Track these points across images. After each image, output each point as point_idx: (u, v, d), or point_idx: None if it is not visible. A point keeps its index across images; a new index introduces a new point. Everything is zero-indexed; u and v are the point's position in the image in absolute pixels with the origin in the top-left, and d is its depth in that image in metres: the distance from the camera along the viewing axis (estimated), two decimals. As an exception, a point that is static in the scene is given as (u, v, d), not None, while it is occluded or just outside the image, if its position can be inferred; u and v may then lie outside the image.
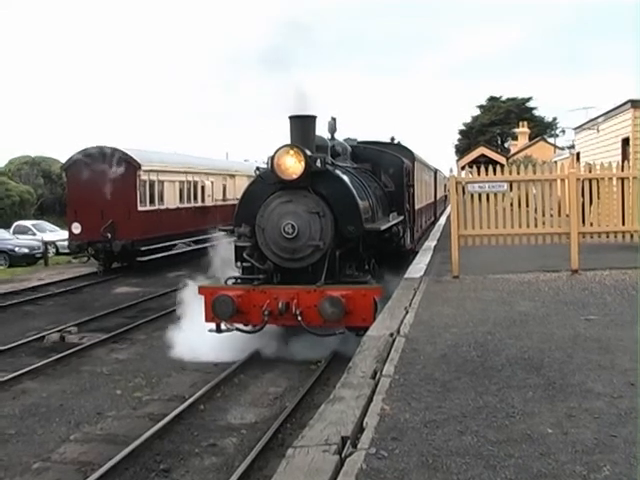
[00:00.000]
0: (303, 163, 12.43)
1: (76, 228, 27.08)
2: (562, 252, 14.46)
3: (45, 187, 53.56)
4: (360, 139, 18.78)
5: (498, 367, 7.34)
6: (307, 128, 13.30)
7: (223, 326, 12.67)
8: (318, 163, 12.66)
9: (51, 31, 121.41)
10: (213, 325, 12.66)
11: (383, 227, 13.96)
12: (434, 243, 21.90)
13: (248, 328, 12.71)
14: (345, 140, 17.07)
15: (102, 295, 21.42)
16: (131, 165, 26.82)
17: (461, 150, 79.85)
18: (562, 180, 14.53)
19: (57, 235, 36.26)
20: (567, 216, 14.24)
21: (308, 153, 12.58)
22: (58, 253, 35.42)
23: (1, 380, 12.07)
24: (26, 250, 32.94)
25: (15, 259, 32.25)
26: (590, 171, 14.67)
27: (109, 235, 26.12)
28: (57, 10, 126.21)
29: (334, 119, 16.15)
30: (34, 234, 36.86)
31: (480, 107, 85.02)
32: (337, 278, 12.76)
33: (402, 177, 17.59)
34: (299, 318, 11.98)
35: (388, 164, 17.53)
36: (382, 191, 16.59)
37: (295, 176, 12.52)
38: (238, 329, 12.66)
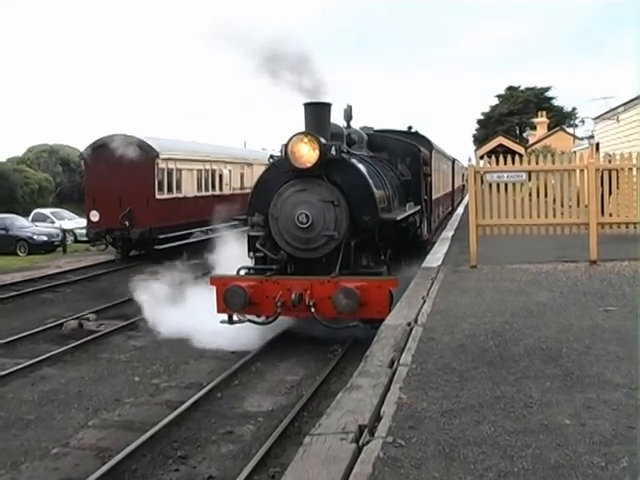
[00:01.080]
0: (317, 151, 12.21)
1: (94, 216, 27.16)
2: (581, 243, 14.38)
3: (63, 175, 53.74)
4: (377, 128, 18.45)
5: (516, 357, 7.32)
6: (322, 115, 13.05)
7: (235, 317, 12.57)
8: (333, 151, 12.40)
9: (73, 19, 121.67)
10: (225, 316, 12.56)
11: (399, 217, 13.58)
12: (452, 233, 21.85)
13: (261, 319, 12.61)
14: (361, 128, 16.72)
15: (120, 283, 21.48)
16: (149, 153, 26.84)
17: (479, 140, 79.35)
18: (581, 170, 14.43)
19: (75, 223, 36.45)
20: (586, 206, 14.16)
21: (323, 141, 12.37)
22: (76, 241, 35.58)
23: (20, 366, 12.17)
24: (45, 238, 33.09)
25: (34, 247, 32.39)
26: (610, 161, 14.58)
27: (127, 223, 26.18)
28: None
29: (350, 107, 15.83)
30: (53, 222, 37.07)
31: (499, 97, 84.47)
32: (352, 269, 12.51)
33: (419, 166, 17.20)
34: (312, 310, 11.82)
35: (405, 153, 17.15)
36: (398, 180, 16.23)
37: (309, 164, 12.31)
38: (250, 320, 12.56)
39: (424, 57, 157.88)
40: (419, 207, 16.35)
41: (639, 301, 9.52)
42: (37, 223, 36.19)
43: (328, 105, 13.17)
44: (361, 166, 13.22)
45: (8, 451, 8.57)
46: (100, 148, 27.02)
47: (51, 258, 30.41)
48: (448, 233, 21.91)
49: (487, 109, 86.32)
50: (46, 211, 39.78)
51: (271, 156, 13.43)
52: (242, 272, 12.98)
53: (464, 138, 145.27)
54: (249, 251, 13.12)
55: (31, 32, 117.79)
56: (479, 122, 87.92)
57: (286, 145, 12.38)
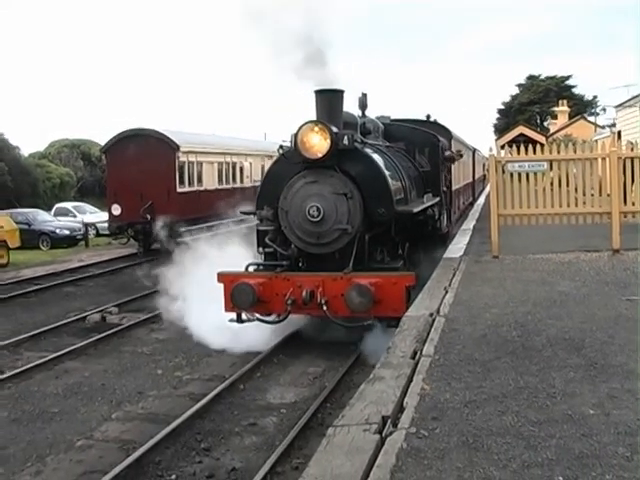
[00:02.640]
0: (329, 140, 11.53)
1: (116, 210, 27.29)
2: (603, 232, 14.30)
3: (85, 169, 54.03)
4: (394, 117, 17.93)
5: (539, 347, 7.30)
6: (334, 103, 12.31)
7: (244, 316, 12.00)
8: (345, 141, 11.71)
9: (96, 14, 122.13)
10: (234, 315, 11.99)
11: (416, 209, 12.81)
12: (473, 223, 21.79)
13: (271, 318, 12.04)
14: (377, 118, 16.05)
15: (142, 276, 21.60)
16: (170, 147, 26.94)
17: (500, 129, 78.92)
18: (603, 159, 14.32)
19: (97, 217, 36.66)
20: (608, 195, 14.07)
21: (334, 130, 11.68)
22: (98, 235, 35.84)
23: (44, 360, 12.27)
24: (67, 232, 33.34)
25: (56, 241, 32.65)
26: (632, 150, 14.46)
27: (148, 216, 26.28)
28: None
29: (365, 94, 15.14)
30: (75, 216, 37.32)
31: (519, 86, 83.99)
32: (366, 264, 11.91)
33: (438, 156, 16.30)
34: (324, 308, 11.22)
35: (423, 143, 16.29)
36: (417, 171, 15.51)
37: (320, 154, 11.62)
38: (260, 319, 11.97)
39: (443, 48, 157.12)
40: (438, 199, 15.53)
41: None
42: (59, 217, 36.44)
43: (340, 92, 12.42)
44: (376, 156, 12.63)
45: (33, 444, 8.64)
46: (121, 142, 27.16)
47: (73, 252, 30.62)
48: (470, 223, 21.85)
49: (507, 98, 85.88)
50: (68, 205, 40.07)
51: (281, 146, 12.62)
52: (251, 268, 12.35)
53: (485, 128, 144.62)
54: (258, 246, 12.69)
55: (53, 28, 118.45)
56: (500, 112, 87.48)
57: (295, 135, 11.74)
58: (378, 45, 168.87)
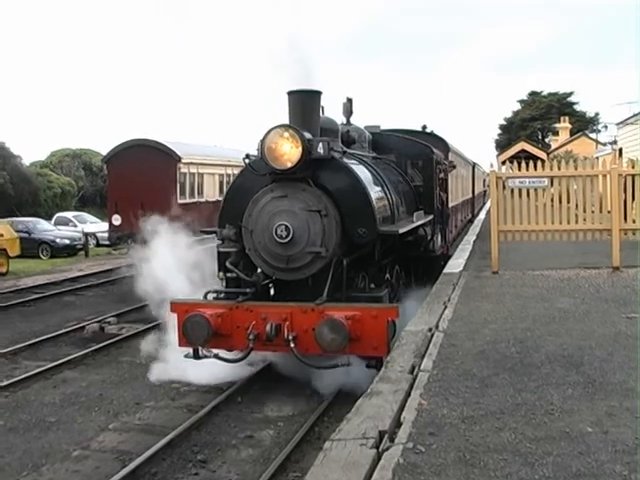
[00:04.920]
0: (300, 148, 9.91)
1: (116, 220, 27.27)
2: (603, 249, 14.32)
3: (86, 179, 54.14)
4: (387, 128, 16.31)
5: (537, 364, 7.29)
6: (309, 106, 10.67)
7: (202, 351, 10.51)
8: (320, 149, 10.06)
9: (92, 25, 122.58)
10: (190, 349, 10.52)
11: (403, 230, 11.08)
12: (473, 238, 21.79)
13: (232, 355, 10.59)
14: (366, 127, 14.37)
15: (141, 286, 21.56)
16: (171, 158, 26.97)
17: (501, 145, 79.14)
18: (604, 176, 14.35)
19: (97, 227, 36.66)
20: (609, 212, 14.09)
21: (308, 136, 10.10)
22: (98, 244, 35.85)
23: (42, 369, 12.27)
24: (67, 241, 33.39)
25: (56, 250, 32.70)
26: (633, 167, 14.48)
27: (149, 227, 26.24)
28: (100, 3, 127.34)
29: (350, 100, 13.65)
30: (75, 225, 37.38)
31: (521, 102, 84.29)
32: (345, 293, 10.27)
33: (432, 170, 14.83)
34: (292, 345, 9.70)
35: (416, 155, 14.81)
36: (408, 186, 14.12)
37: (290, 165, 10.01)
38: (217, 357, 10.47)
39: (446, 63, 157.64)
40: (431, 217, 14.07)
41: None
42: (59, 227, 36.49)
43: (317, 93, 10.78)
44: (357, 168, 11.10)
45: (30, 453, 8.63)
46: (122, 153, 27.18)
47: (73, 261, 30.67)
48: (470, 238, 21.85)
49: (509, 114, 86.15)
50: (69, 215, 40.12)
51: (247, 155, 10.88)
52: (210, 296, 10.85)
53: (486, 144, 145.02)
54: (219, 270, 10.97)
55: (55, 38, 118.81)
56: (501, 127, 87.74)
57: (262, 141, 10.11)
58: (380, 58, 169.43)
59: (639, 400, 6.01)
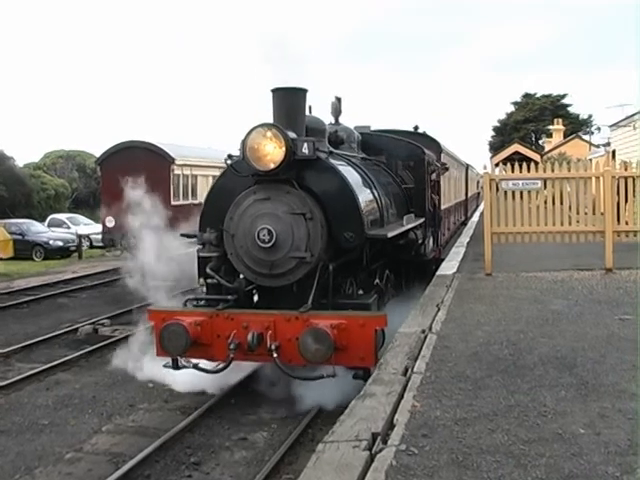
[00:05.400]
0: (284, 148, 9.37)
1: (110, 222, 27.27)
2: (596, 250, 14.35)
3: (80, 181, 54.17)
4: (378, 128, 16.02)
5: (530, 366, 7.30)
6: (294, 105, 10.14)
7: (182, 361, 9.90)
8: (305, 149, 9.55)
9: (87, 27, 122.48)
10: (169, 359, 9.89)
11: (392, 234, 10.55)
12: (467, 240, 21.81)
13: (213, 366, 9.87)
14: (356, 128, 13.80)
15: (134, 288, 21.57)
16: (165, 159, 26.97)
17: (495, 147, 79.31)
18: (597, 178, 14.39)
19: (91, 228, 36.64)
20: (602, 214, 14.13)
21: (292, 136, 9.57)
22: (92, 246, 35.78)
23: (35, 371, 12.23)
24: (60, 243, 33.36)
25: (50, 252, 32.65)
26: (626, 169, 14.52)
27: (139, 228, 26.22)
28: (94, 5, 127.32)
29: (339, 99, 13.19)
30: (68, 227, 37.36)
31: (514, 104, 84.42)
32: (331, 300, 9.74)
33: (424, 172, 14.28)
34: (274, 355, 9.09)
35: (407, 156, 14.28)
36: (398, 188, 13.55)
37: (273, 165, 9.45)
38: (196, 367, 9.82)
39: (439, 64, 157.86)
40: (422, 219, 13.54)
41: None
42: (53, 228, 36.46)
43: (302, 91, 10.26)
44: (344, 169, 10.50)
45: (22, 455, 8.60)
46: (116, 154, 27.18)
47: (67, 263, 30.59)
48: (463, 240, 21.87)
49: (503, 116, 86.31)
50: (62, 216, 40.08)
51: (229, 156, 10.41)
52: (190, 303, 10.29)
53: (480, 146, 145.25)
54: (199, 276, 10.48)
55: (49, 39, 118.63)
56: (495, 129, 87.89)
57: (244, 141, 9.56)
58: (374, 60, 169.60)
59: (632, 402, 6.03)
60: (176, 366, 9.85)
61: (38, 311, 18.72)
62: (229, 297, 9.88)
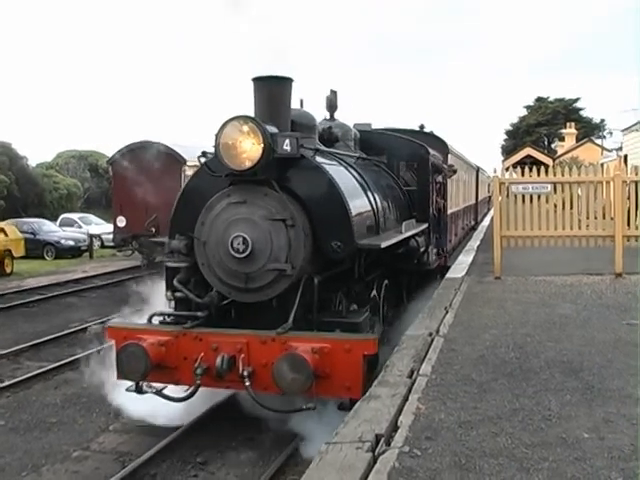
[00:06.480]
0: (262, 145, 8.10)
1: (121, 222, 27.39)
2: (606, 255, 14.31)
3: (92, 181, 54.37)
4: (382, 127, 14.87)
5: (536, 369, 7.30)
6: (278, 96, 8.83)
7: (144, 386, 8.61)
8: (287, 145, 8.27)
9: (98, 27, 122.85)
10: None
11: (386, 243, 9.12)
12: (477, 243, 21.79)
13: (182, 393, 8.51)
14: (355, 125, 12.67)
15: (145, 288, 21.62)
16: (176, 160, 26.99)
17: (507, 151, 79.12)
18: (607, 182, 14.36)
19: (102, 228, 36.83)
20: (612, 219, 14.09)
21: (273, 130, 8.32)
22: (103, 246, 35.97)
23: (44, 370, 12.31)
24: (72, 243, 33.51)
25: (61, 251, 32.82)
26: (637, 173, 14.48)
27: (153, 229, 26.32)
28: (107, 7, 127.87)
29: (334, 92, 11.90)
30: (80, 227, 37.54)
31: (527, 107, 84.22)
32: (316, 318, 8.47)
33: (428, 173, 13.16)
34: (247, 382, 7.91)
35: (410, 156, 13.23)
36: (399, 191, 12.48)
37: (249, 164, 8.18)
38: (159, 393, 8.58)
39: (452, 68, 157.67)
40: (425, 225, 12.42)
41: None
42: (64, 228, 36.64)
43: (287, 81, 8.92)
44: (332, 169, 9.15)
45: (30, 453, 8.68)
46: (128, 155, 27.25)
47: (77, 263, 30.74)
48: (473, 244, 21.85)
49: (515, 120, 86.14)
50: (74, 216, 40.26)
51: (203, 153, 9.05)
52: (156, 320, 9.03)
53: (492, 149, 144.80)
54: (167, 289, 9.07)
55: (62, 40, 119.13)
56: (507, 133, 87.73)
57: (217, 136, 8.30)
58: (389, 62, 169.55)
59: (637, 407, 6.02)
60: (139, 390, 8.56)
61: (48, 310, 18.81)
62: (199, 314, 8.65)
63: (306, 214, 8.49)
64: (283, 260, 8.16)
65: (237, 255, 8.08)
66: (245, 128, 8.16)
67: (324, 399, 8.13)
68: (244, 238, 8.05)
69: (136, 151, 26.94)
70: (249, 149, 8.17)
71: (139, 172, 26.28)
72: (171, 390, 8.66)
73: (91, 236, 34.08)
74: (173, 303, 9.07)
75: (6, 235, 26.82)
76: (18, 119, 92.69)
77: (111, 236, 29.74)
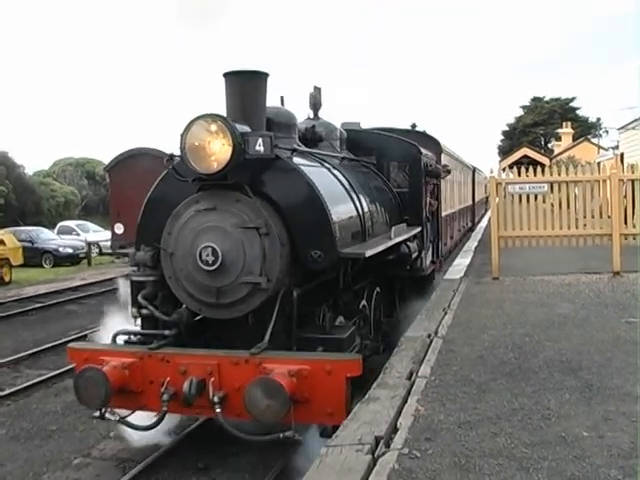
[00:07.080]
0: (231, 145, 7.27)
1: (119, 229, 27.37)
2: (604, 254, 14.33)
3: (89, 188, 54.43)
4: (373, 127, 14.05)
5: (535, 369, 7.31)
6: (251, 92, 7.97)
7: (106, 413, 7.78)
8: (259, 146, 7.42)
9: (95, 33, 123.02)
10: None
11: (371, 252, 8.22)
12: (475, 244, 21.81)
13: (149, 420, 7.73)
14: (343, 125, 11.84)
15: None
16: (173, 166, 27.01)
17: (504, 151, 79.22)
18: (604, 181, 14.38)
19: (100, 235, 36.82)
20: (609, 217, 14.11)
21: (244, 129, 7.51)
22: (101, 253, 35.96)
23: (44, 377, 12.29)
24: (70, 250, 33.49)
25: (59, 259, 32.81)
26: (633, 172, 14.50)
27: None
28: (101, 13, 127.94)
29: (318, 89, 11.06)
30: (78, 234, 37.52)
31: (523, 107, 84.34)
32: (295, 335, 7.68)
33: (420, 174, 12.27)
34: (218, 409, 7.06)
35: (400, 156, 12.34)
36: (389, 193, 11.76)
37: (218, 166, 7.36)
38: (122, 421, 7.89)
39: (449, 68, 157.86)
40: (418, 229, 11.68)
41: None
42: (62, 235, 36.64)
43: (262, 75, 8.08)
44: (311, 171, 8.29)
45: (31, 461, 8.65)
46: (125, 161, 27.28)
47: (76, 270, 30.72)
48: (471, 245, 21.86)
49: (512, 120, 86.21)
50: (71, 224, 40.27)
51: (171, 156, 8.04)
52: (121, 339, 8.21)
53: (489, 150, 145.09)
54: (133, 305, 8.19)
55: (58, 47, 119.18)
56: (504, 133, 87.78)
57: (182, 136, 7.47)
58: (383, 62, 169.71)
59: (636, 405, 6.03)
60: (102, 417, 7.81)
61: (47, 318, 18.78)
62: (167, 332, 7.84)
63: (282, 221, 7.70)
64: (257, 272, 7.36)
65: (206, 267, 7.29)
66: (213, 127, 7.35)
67: (305, 425, 7.49)
68: (213, 249, 7.25)
69: (133, 158, 26.96)
70: (218, 150, 7.37)
71: (136, 179, 26.25)
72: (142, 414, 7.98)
73: (89, 243, 34.05)
74: (140, 320, 8.22)
75: (4, 244, 26.80)
76: (15, 128, 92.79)
77: (109, 243, 29.71)
